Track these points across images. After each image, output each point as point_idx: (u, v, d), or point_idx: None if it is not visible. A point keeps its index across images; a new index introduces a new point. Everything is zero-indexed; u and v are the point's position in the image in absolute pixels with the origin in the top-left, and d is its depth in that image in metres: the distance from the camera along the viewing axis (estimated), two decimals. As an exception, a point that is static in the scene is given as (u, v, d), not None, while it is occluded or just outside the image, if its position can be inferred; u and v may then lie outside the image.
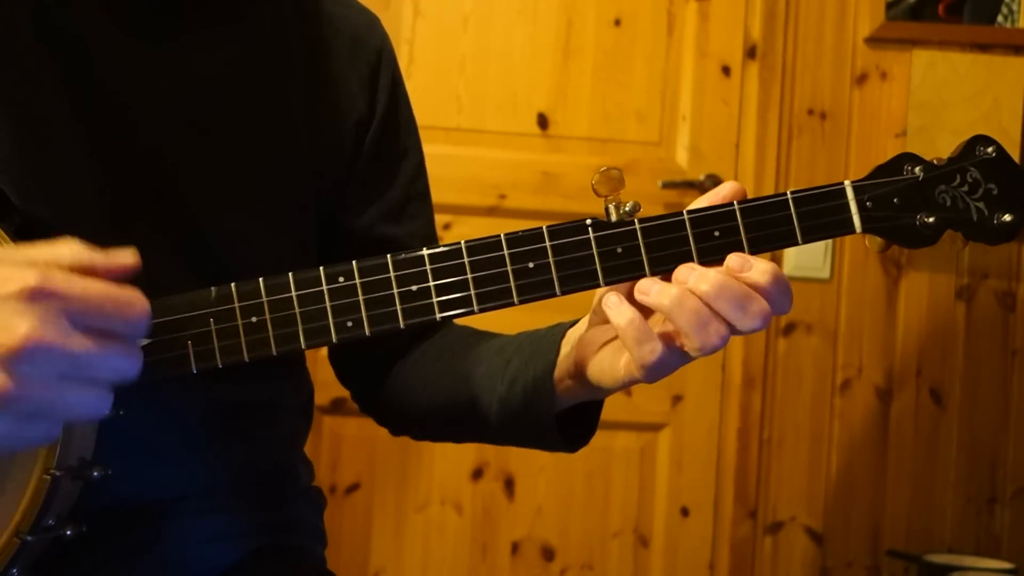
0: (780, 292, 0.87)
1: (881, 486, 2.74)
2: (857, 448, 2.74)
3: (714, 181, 2.69)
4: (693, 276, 0.87)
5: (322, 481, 2.63)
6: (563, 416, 1.02)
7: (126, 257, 0.82)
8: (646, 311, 0.89)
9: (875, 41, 2.74)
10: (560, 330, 1.02)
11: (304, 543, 1.20)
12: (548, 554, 2.73)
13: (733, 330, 0.86)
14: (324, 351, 2.64)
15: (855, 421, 2.74)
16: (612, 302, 0.88)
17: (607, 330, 0.94)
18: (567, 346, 0.99)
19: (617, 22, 2.74)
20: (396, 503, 2.72)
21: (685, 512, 2.75)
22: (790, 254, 2.68)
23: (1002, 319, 2.76)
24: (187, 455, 1.06)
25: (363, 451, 2.71)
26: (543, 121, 2.72)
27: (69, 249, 0.80)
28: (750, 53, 2.74)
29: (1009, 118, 2.62)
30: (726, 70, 2.74)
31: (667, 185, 2.68)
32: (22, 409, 0.74)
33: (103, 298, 0.77)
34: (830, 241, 2.70)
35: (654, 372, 0.88)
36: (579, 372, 0.96)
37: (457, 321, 1.22)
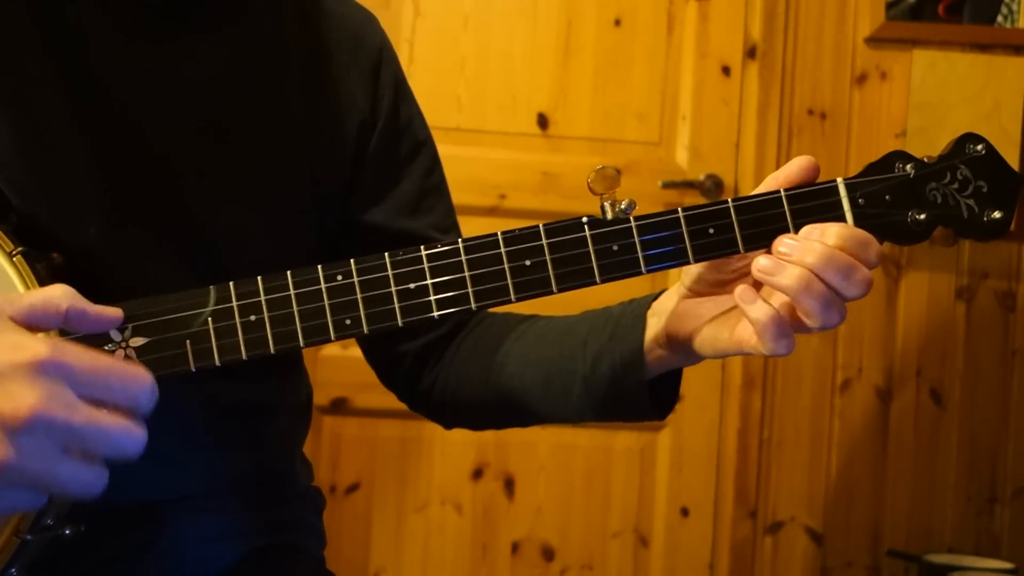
0: (870, 250, 0.88)
1: (881, 486, 2.74)
2: (857, 448, 2.74)
3: (714, 181, 2.69)
4: (797, 249, 0.88)
5: (322, 481, 2.63)
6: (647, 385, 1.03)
7: (113, 312, 0.84)
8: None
9: (875, 41, 2.74)
10: (643, 303, 1.03)
11: (304, 543, 1.20)
12: (548, 554, 2.73)
13: (843, 298, 0.88)
14: (327, 352, 2.65)
15: (855, 421, 2.74)
16: (747, 297, 0.89)
17: (713, 304, 0.96)
18: (654, 317, 1.00)
19: (617, 22, 2.74)
20: (396, 503, 2.72)
21: (685, 512, 2.75)
22: (790, 254, 2.67)
23: (1002, 319, 2.76)
24: (186, 456, 1.07)
25: (363, 451, 2.71)
26: (543, 121, 2.72)
27: (63, 293, 0.81)
28: (750, 53, 2.74)
29: (1009, 118, 2.62)
30: (726, 70, 2.75)
31: (667, 185, 2.69)
32: (15, 479, 0.74)
33: (110, 373, 0.76)
34: (830, 241, 2.70)
35: (780, 352, 0.90)
36: (674, 342, 0.98)
37: None
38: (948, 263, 2.75)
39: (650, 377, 1.02)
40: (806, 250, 0.87)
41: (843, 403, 2.74)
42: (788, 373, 2.74)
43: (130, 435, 0.77)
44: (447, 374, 1.19)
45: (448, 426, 1.25)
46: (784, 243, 0.89)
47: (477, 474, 2.72)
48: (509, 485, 2.72)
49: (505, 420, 1.20)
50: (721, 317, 0.94)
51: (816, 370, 2.74)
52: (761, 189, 0.93)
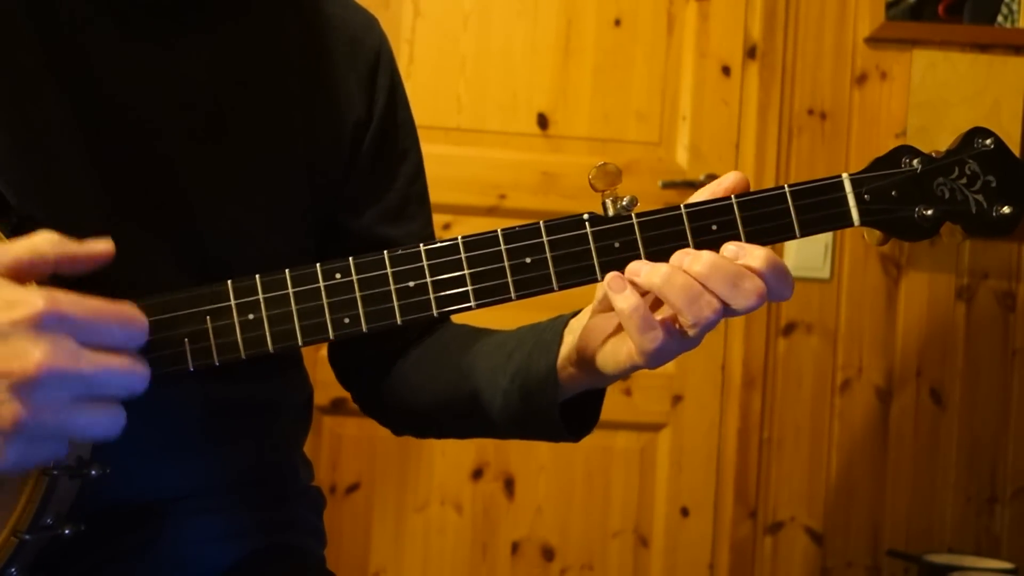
0: (776, 276, 0.87)
1: (881, 486, 2.74)
2: (857, 448, 2.74)
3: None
4: (687, 258, 0.87)
5: (322, 481, 2.63)
6: (566, 406, 1.01)
7: (102, 245, 0.84)
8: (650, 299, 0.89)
9: (875, 41, 2.73)
10: (562, 321, 1.01)
11: (304, 543, 1.20)
12: (548, 554, 2.73)
13: (728, 309, 0.86)
14: (324, 351, 2.65)
15: (855, 421, 2.74)
16: (616, 287, 0.88)
17: (611, 318, 0.94)
18: (570, 335, 0.99)
19: (617, 22, 2.74)
20: (396, 503, 2.72)
21: (685, 512, 2.75)
22: (790, 254, 2.68)
23: (1002, 319, 2.76)
24: (186, 455, 1.07)
25: (363, 451, 2.71)
26: (543, 121, 2.72)
27: (47, 241, 0.81)
28: (750, 53, 2.74)
29: (1009, 118, 2.61)
30: (726, 70, 2.74)
31: (667, 185, 2.68)
32: (36, 434, 0.75)
33: (107, 315, 0.78)
34: (830, 241, 2.70)
35: (654, 357, 0.88)
36: (582, 360, 0.96)
37: (456, 319, 1.23)
38: (948, 263, 2.75)
39: (567, 397, 1.00)
40: (693, 258, 0.86)
41: (843, 403, 2.74)
42: (788, 373, 2.73)
43: (135, 373, 0.79)
44: (395, 380, 1.20)
45: (397, 432, 1.26)
46: (677, 254, 0.88)
47: (477, 474, 2.72)
48: (509, 485, 2.72)
49: (444, 431, 1.21)
50: (622, 333, 0.92)
51: (816, 370, 2.74)
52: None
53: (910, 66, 2.71)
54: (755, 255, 0.87)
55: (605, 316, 0.95)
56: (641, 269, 0.87)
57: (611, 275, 0.89)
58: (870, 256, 2.73)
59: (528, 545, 2.73)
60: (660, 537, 2.75)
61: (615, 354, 0.92)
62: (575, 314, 1.01)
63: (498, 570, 2.72)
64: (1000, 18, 2.74)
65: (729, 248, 0.88)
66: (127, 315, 0.80)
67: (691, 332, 0.87)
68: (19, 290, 0.77)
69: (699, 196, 0.92)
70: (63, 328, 0.76)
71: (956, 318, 2.75)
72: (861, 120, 2.73)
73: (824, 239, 2.70)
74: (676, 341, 0.88)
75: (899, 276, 2.74)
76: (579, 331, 0.96)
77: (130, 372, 0.78)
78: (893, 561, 2.71)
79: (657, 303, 0.91)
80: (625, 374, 0.93)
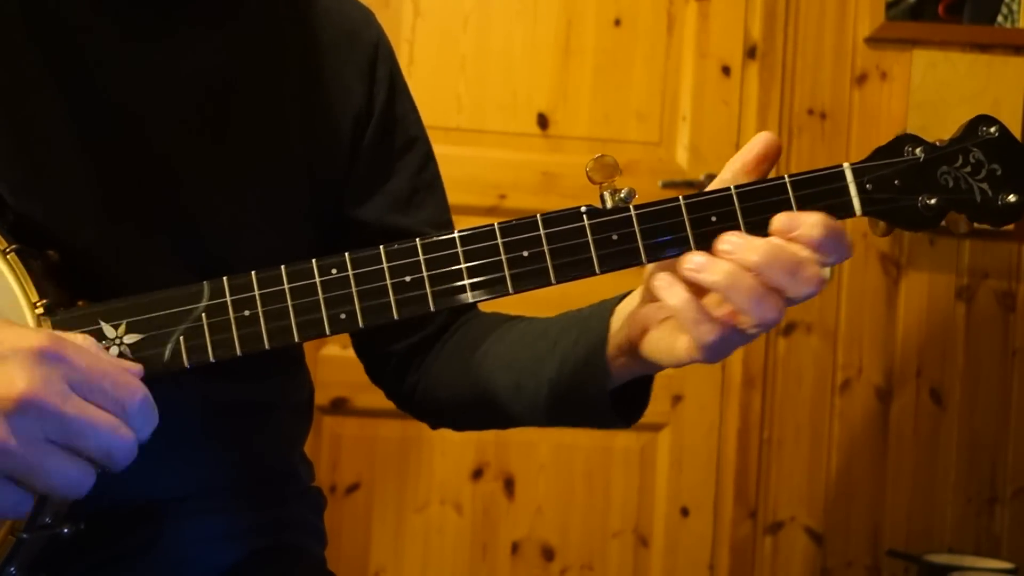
0: (835, 242, 0.84)
1: (881, 486, 2.74)
2: (857, 448, 2.74)
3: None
4: (740, 247, 0.83)
5: (322, 481, 2.63)
6: (615, 391, 0.99)
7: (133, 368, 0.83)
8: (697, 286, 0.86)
9: (875, 41, 2.74)
10: (607, 307, 0.99)
11: (304, 543, 1.19)
12: (548, 554, 2.73)
13: (789, 300, 0.84)
14: (327, 352, 2.64)
15: (855, 421, 2.74)
16: (664, 283, 0.85)
17: (661, 307, 0.91)
18: (617, 322, 0.96)
19: (617, 22, 2.74)
20: (396, 503, 2.72)
21: (685, 512, 2.75)
22: (790, 254, 2.67)
23: (1002, 319, 2.76)
24: (187, 455, 1.06)
25: (363, 451, 2.70)
26: (543, 121, 2.72)
27: (84, 339, 0.82)
28: (750, 53, 2.74)
29: (1009, 118, 2.61)
30: (726, 70, 2.74)
31: (667, 185, 2.68)
32: (4, 465, 0.75)
33: (107, 374, 0.78)
34: (830, 241, 2.70)
35: (714, 352, 0.85)
36: (632, 349, 0.93)
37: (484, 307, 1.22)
38: (948, 263, 2.75)
39: (617, 384, 0.98)
40: (745, 247, 0.83)
41: (843, 403, 2.74)
42: (788, 373, 2.73)
43: (118, 435, 0.78)
44: (429, 374, 1.19)
45: (433, 426, 1.25)
46: (725, 240, 0.85)
47: (477, 474, 2.72)
48: (509, 485, 2.72)
49: (483, 422, 1.19)
50: (672, 320, 0.90)
51: (816, 370, 2.74)
52: (725, 170, 0.90)
53: (910, 66, 2.71)
54: (810, 223, 0.84)
55: (657, 306, 0.92)
56: (702, 265, 0.84)
57: (653, 267, 0.87)
58: (870, 256, 2.73)
59: (528, 545, 2.73)
60: (660, 537, 2.75)
61: (671, 348, 0.89)
62: (620, 299, 0.99)
63: (498, 570, 2.72)
64: (1000, 18, 2.74)
65: (780, 221, 0.85)
66: (126, 380, 0.79)
67: (752, 332, 0.84)
68: (32, 328, 0.79)
69: (730, 165, 0.90)
70: (60, 369, 0.75)
71: (956, 318, 2.75)
72: (861, 120, 2.73)
73: (824, 239, 2.69)
74: (735, 334, 0.85)
75: (899, 276, 2.74)
76: (627, 319, 0.94)
77: (112, 431, 0.77)
78: (893, 561, 2.70)
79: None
80: (681, 365, 0.90)
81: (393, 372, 1.22)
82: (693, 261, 0.84)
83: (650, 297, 0.92)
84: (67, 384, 0.76)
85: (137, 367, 0.83)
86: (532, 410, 1.06)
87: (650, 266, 0.90)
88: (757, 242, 0.83)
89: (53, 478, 0.76)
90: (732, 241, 0.84)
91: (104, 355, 0.81)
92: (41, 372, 0.75)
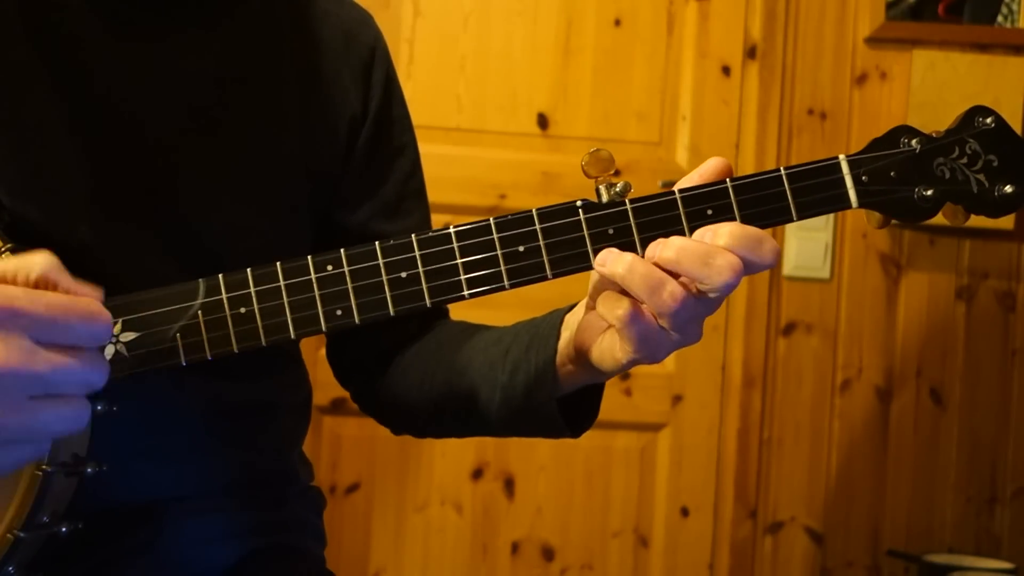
0: (749, 246, 0.84)
1: (881, 486, 2.74)
2: (857, 448, 2.74)
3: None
4: (658, 248, 0.85)
5: (322, 481, 2.63)
6: (565, 401, 1.00)
7: (92, 289, 0.82)
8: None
9: (875, 41, 2.73)
10: (558, 315, 1.00)
11: (304, 543, 1.20)
12: (548, 554, 2.73)
13: (702, 293, 0.84)
14: (324, 351, 2.65)
15: (855, 421, 2.74)
16: (603, 259, 0.86)
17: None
18: (567, 331, 0.97)
19: (617, 22, 2.74)
20: (396, 503, 2.72)
21: (685, 512, 2.75)
22: (790, 254, 2.68)
23: (1002, 319, 2.76)
24: (186, 455, 1.07)
25: (363, 451, 2.70)
26: (543, 121, 2.72)
27: (40, 260, 0.80)
28: (750, 53, 2.74)
29: (1009, 118, 2.57)
30: (726, 70, 2.74)
31: (667, 185, 2.68)
32: (1, 437, 0.75)
33: (65, 312, 0.76)
34: (830, 241, 2.70)
35: (647, 350, 0.86)
36: (580, 356, 0.94)
37: (454, 316, 1.22)
38: (948, 263, 2.75)
39: (564, 393, 0.99)
40: (663, 246, 0.84)
41: (843, 403, 2.74)
42: (788, 373, 2.73)
43: (93, 369, 0.77)
44: (392, 378, 1.19)
45: (396, 432, 1.26)
46: (652, 246, 0.86)
47: (477, 474, 2.72)
48: (509, 485, 2.72)
49: (441, 429, 1.20)
50: (611, 334, 0.90)
51: (816, 370, 2.74)
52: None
53: (910, 66, 2.70)
54: (722, 232, 0.84)
55: (598, 313, 0.93)
56: (607, 259, 0.86)
57: (594, 278, 0.88)
58: (870, 256, 2.73)
59: (528, 545, 2.72)
60: (660, 537, 2.75)
61: (612, 351, 0.90)
62: (571, 308, 1.00)
63: (498, 570, 2.72)
64: (1000, 18, 2.73)
65: (698, 232, 0.86)
66: (89, 311, 0.78)
67: (661, 322, 0.84)
68: None
69: (685, 182, 0.90)
70: (19, 326, 0.74)
71: (956, 318, 2.75)
72: (861, 120, 2.73)
73: (824, 239, 2.70)
74: (663, 333, 0.85)
75: (899, 276, 2.74)
76: (575, 327, 0.95)
77: (87, 369, 0.77)
78: (893, 561, 2.70)
79: None
80: (624, 369, 0.91)
81: (361, 375, 1.23)
82: (601, 256, 0.86)
83: (592, 304, 0.93)
84: (30, 337, 0.75)
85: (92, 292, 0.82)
86: (486, 418, 1.07)
87: (593, 274, 0.91)
88: (673, 240, 0.84)
89: (52, 426, 0.76)
90: (652, 246, 0.85)
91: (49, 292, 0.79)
92: (2, 338, 0.73)
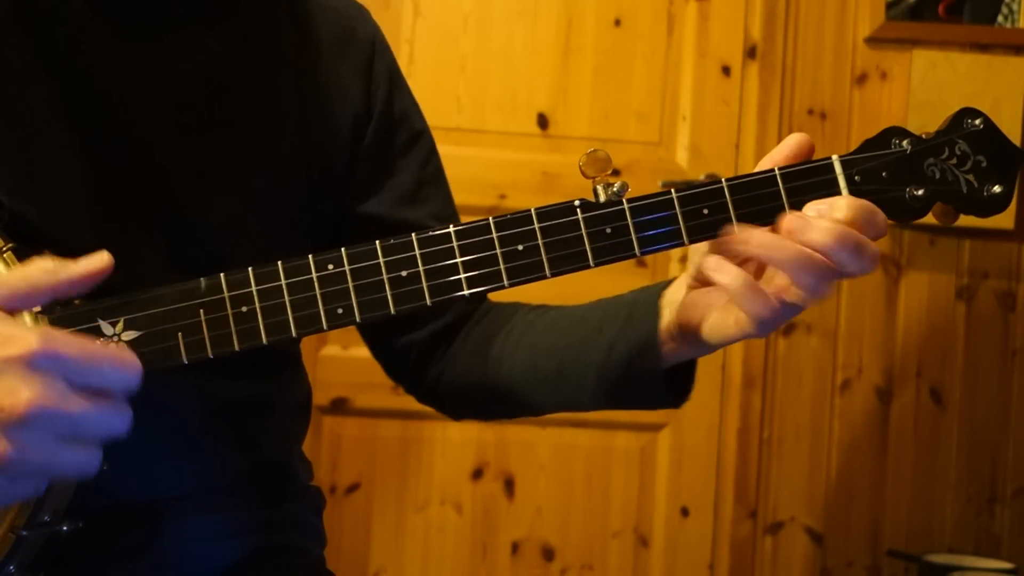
0: (874, 224, 0.87)
1: (881, 486, 2.74)
2: (857, 448, 2.74)
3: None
4: (806, 231, 0.86)
5: (322, 481, 2.63)
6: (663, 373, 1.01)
7: (99, 261, 0.83)
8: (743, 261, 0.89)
9: (875, 41, 2.74)
10: (654, 292, 1.01)
11: (303, 543, 1.20)
12: (548, 554, 2.73)
13: (841, 274, 0.86)
14: (327, 352, 2.65)
15: (855, 421, 2.74)
16: (714, 265, 0.88)
17: (713, 291, 0.94)
18: (666, 308, 0.98)
19: (617, 22, 2.74)
20: (396, 503, 2.72)
21: (685, 512, 2.75)
22: (790, 254, 2.68)
23: (1002, 319, 2.76)
24: (185, 455, 1.07)
25: (363, 451, 2.70)
26: (543, 121, 2.72)
27: (42, 271, 0.81)
28: (750, 53, 2.74)
29: (1009, 118, 2.62)
30: (726, 70, 2.75)
31: (667, 185, 2.68)
32: (19, 471, 0.75)
33: (101, 358, 0.77)
34: (830, 241, 2.70)
35: (767, 326, 0.88)
36: (685, 334, 0.96)
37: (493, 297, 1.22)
38: (948, 263, 2.75)
39: (666, 367, 1.00)
40: (812, 228, 0.86)
41: (843, 403, 2.74)
42: (788, 373, 2.73)
43: (119, 416, 0.78)
44: (454, 365, 1.19)
45: (457, 418, 1.25)
46: (790, 221, 0.87)
47: (477, 474, 2.72)
48: (509, 485, 2.72)
49: (515, 410, 1.19)
50: (728, 304, 0.92)
51: (816, 370, 2.74)
52: (757, 169, 0.92)
53: (910, 66, 2.71)
54: (839, 206, 0.87)
55: (706, 291, 0.95)
56: (761, 240, 0.87)
57: (699, 253, 0.89)
58: (870, 256, 2.73)
59: (528, 545, 2.73)
60: (660, 537, 2.75)
61: (723, 326, 0.92)
62: (665, 286, 1.01)
63: (498, 570, 2.72)
64: (1000, 18, 2.74)
65: (816, 207, 0.88)
66: (121, 358, 0.79)
67: (804, 305, 0.87)
68: (14, 326, 0.77)
69: (763, 164, 0.93)
70: (55, 368, 0.75)
71: (956, 318, 2.75)
72: (861, 120, 2.73)
73: (824, 239, 2.69)
74: (787, 308, 0.88)
75: (899, 276, 2.74)
76: (676, 305, 0.97)
77: (115, 416, 0.78)
78: (893, 561, 2.70)
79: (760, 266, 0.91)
80: (732, 343, 0.93)
81: (414, 364, 1.22)
82: (747, 235, 0.88)
83: (696, 284, 0.95)
84: (64, 380, 0.75)
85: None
86: (575, 395, 1.07)
87: (696, 254, 0.93)
88: (821, 223, 0.86)
89: (65, 469, 0.76)
90: (795, 222, 0.87)
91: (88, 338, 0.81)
92: (40, 379, 0.74)
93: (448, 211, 1.24)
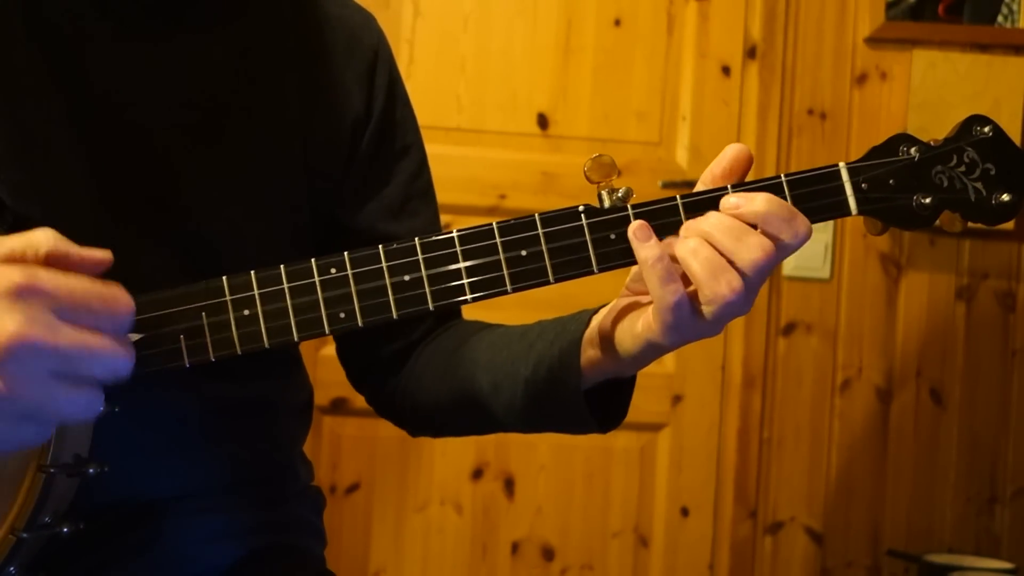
0: (779, 217, 0.86)
1: (881, 486, 2.74)
2: (857, 448, 2.74)
3: (714, 181, 2.68)
4: (697, 221, 0.87)
5: (322, 481, 2.63)
6: (593, 397, 0.99)
7: (100, 253, 0.82)
8: None
9: (875, 41, 2.74)
10: (588, 312, 1.00)
11: (303, 543, 1.20)
12: (548, 554, 2.73)
13: (741, 272, 0.85)
14: (327, 352, 2.64)
15: (855, 421, 2.74)
16: (641, 235, 0.88)
17: (633, 298, 0.94)
18: (594, 325, 0.97)
19: (617, 22, 2.74)
20: (396, 503, 2.72)
21: (685, 512, 2.75)
22: (790, 254, 2.67)
23: (1002, 319, 2.76)
24: (186, 454, 1.06)
25: (363, 451, 2.71)
26: (543, 121, 2.72)
27: (44, 236, 0.79)
28: (750, 53, 2.74)
29: (1009, 118, 2.62)
30: (726, 70, 2.74)
31: (667, 185, 2.68)
32: (12, 410, 0.74)
33: (89, 294, 0.76)
34: (829, 241, 2.70)
35: (671, 324, 0.87)
36: (602, 339, 0.95)
37: (467, 316, 1.22)
38: (948, 263, 2.75)
39: (592, 384, 0.99)
40: (702, 220, 0.87)
41: (843, 403, 2.74)
42: (788, 373, 2.73)
43: (118, 353, 0.77)
44: (410, 378, 1.19)
45: (413, 433, 1.25)
46: (689, 223, 0.88)
47: (477, 474, 2.72)
48: (509, 485, 2.72)
49: (461, 427, 1.20)
50: (644, 308, 0.92)
51: (816, 370, 2.74)
52: (700, 185, 0.92)
53: (910, 66, 2.71)
54: (756, 198, 0.87)
55: (628, 298, 0.94)
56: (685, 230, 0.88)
57: (637, 223, 0.89)
58: (870, 256, 2.73)
59: (528, 545, 2.73)
60: (660, 537, 2.75)
61: (631, 326, 0.91)
62: (602, 307, 1.00)
63: (498, 570, 2.72)
64: (1000, 18, 2.74)
65: (730, 199, 0.88)
66: (111, 295, 0.77)
67: (706, 311, 0.86)
68: (5, 266, 0.75)
69: (707, 172, 0.92)
70: (42, 302, 0.74)
71: (956, 318, 2.75)
72: (861, 120, 2.73)
73: (824, 239, 2.70)
74: (694, 312, 0.87)
75: (899, 276, 2.74)
76: (603, 315, 0.96)
77: (111, 351, 0.76)
78: (893, 561, 2.70)
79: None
80: (643, 355, 0.92)
81: (376, 377, 1.23)
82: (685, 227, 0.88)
83: (632, 292, 0.94)
84: (53, 314, 0.74)
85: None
86: (509, 412, 1.06)
87: (630, 229, 0.91)
88: (710, 215, 0.87)
89: (63, 409, 0.75)
90: (690, 223, 0.88)
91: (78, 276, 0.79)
92: (23, 310, 0.73)
93: (433, 228, 1.22)
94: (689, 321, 0.87)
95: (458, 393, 1.12)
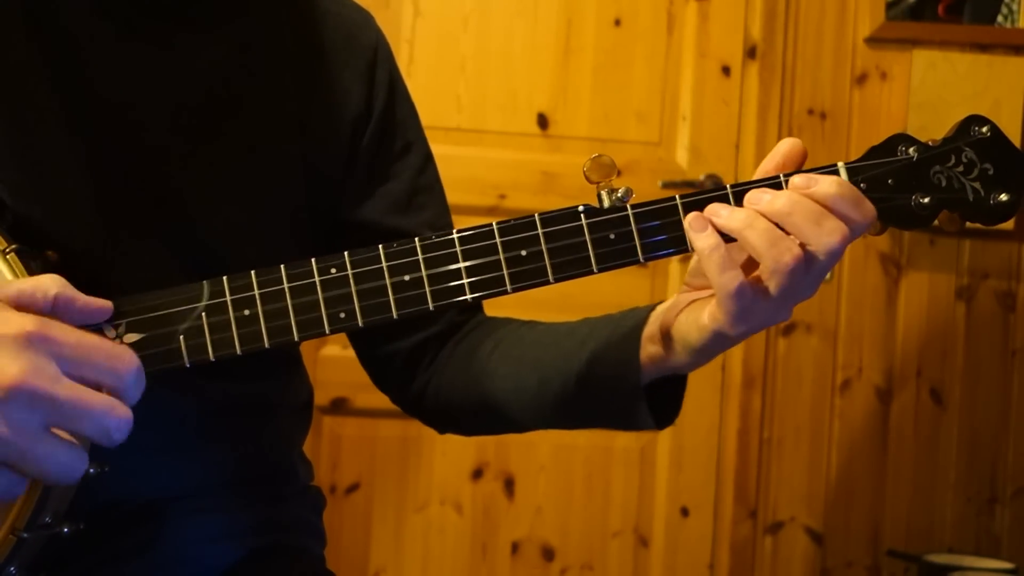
0: (849, 202, 0.86)
1: (881, 486, 2.74)
2: (857, 448, 2.74)
3: (714, 181, 2.69)
4: (765, 198, 0.86)
5: (322, 481, 2.63)
6: (645, 391, 0.99)
7: (103, 302, 0.83)
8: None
9: (875, 41, 2.74)
10: (647, 307, 1.00)
11: (303, 543, 1.19)
12: (548, 554, 2.73)
13: (809, 254, 0.85)
14: (327, 352, 2.65)
15: (855, 421, 2.74)
16: (697, 226, 0.87)
17: (693, 294, 0.94)
18: (654, 318, 0.97)
19: (617, 22, 2.74)
20: (396, 503, 2.72)
21: (685, 512, 2.75)
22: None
23: (1002, 319, 2.76)
24: (186, 454, 1.06)
25: (363, 451, 2.70)
26: (543, 121, 2.72)
27: (52, 281, 0.81)
28: (750, 53, 2.74)
29: (1009, 118, 2.62)
30: (726, 70, 2.74)
31: (667, 185, 2.69)
32: None
33: (96, 350, 0.77)
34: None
35: (737, 313, 0.87)
36: (664, 334, 0.95)
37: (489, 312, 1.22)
38: (948, 263, 2.75)
39: (649, 380, 0.99)
40: (773, 198, 0.86)
41: (843, 403, 2.74)
42: (788, 373, 2.73)
43: (114, 414, 0.77)
44: (440, 377, 1.18)
45: (441, 431, 1.24)
46: (753, 194, 0.88)
47: (477, 474, 2.72)
48: (509, 485, 2.72)
49: (499, 426, 1.18)
50: (706, 299, 0.92)
51: (816, 370, 2.74)
52: (756, 176, 0.92)
53: (910, 66, 2.71)
54: (827, 181, 0.86)
55: (695, 295, 0.94)
56: (720, 211, 0.87)
57: (692, 215, 0.88)
58: (870, 256, 2.73)
59: (528, 545, 2.73)
60: (660, 537, 2.75)
61: (696, 318, 0.91)
62: (659, 304, 1.00)
63: (498, 570, 2.72)
64: (1000, 18, 2.74)
65: (799, 179, 0.87)
66: (117, 353, 0.78)
67: (772, 286, 0.86)
68: (13, 312, 0.77)
69: (763, 167, 0.92)
70: (49, 352, 0.75)
71: (956, 318, 2.75)
72: (861, 120, 2.73)
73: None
74: (758, 294, 0.86)
75: (899, 276, 2.74)
76: (663, 312, 0.96)
77: (107, 411, 0.76)
78: (893, 561, 2.70)
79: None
80: (710, 347, 0.91)
81: (399, 373, 1.21)
82: (713, 208, 0.87)
83: (692, 288, 0.95)
84: (57, 366, 0.75)
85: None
86: (555, 410, 1.06)
87: (692, 260, 0.92)
88: (781, 192, 0.86)
89: (44, 463, 0.75)
90: (756, 195, 0.87)
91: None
92: (30, 357, 0.74)
93: (442, 221, 1.22)
94: (754, 306, 0.87)
95: (500, 393, 1.11)
